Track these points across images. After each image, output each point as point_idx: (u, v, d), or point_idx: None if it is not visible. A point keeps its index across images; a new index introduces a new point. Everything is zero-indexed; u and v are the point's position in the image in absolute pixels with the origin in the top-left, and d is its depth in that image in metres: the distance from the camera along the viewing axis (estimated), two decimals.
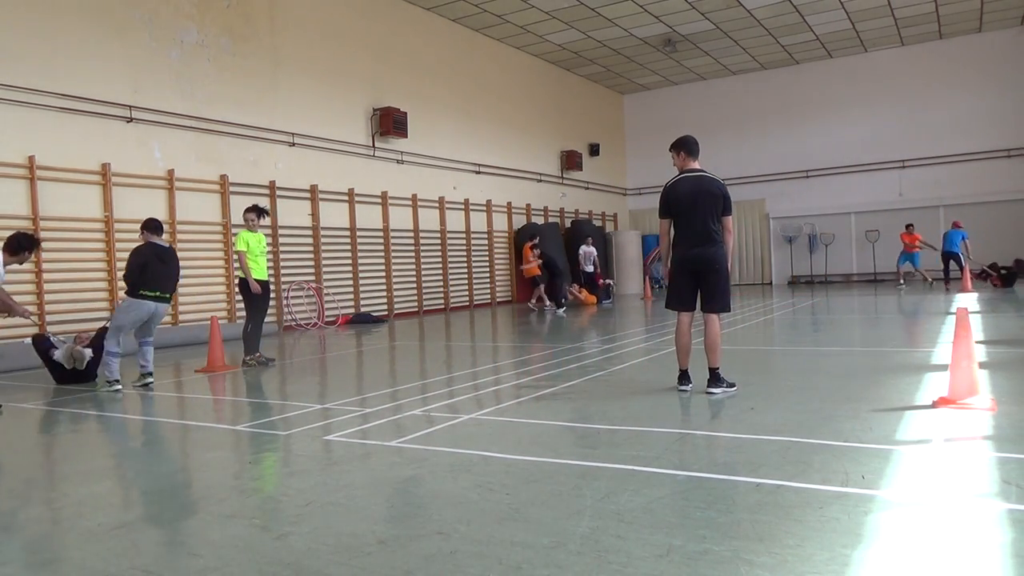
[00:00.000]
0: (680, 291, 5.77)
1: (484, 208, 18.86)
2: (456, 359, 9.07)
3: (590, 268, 19.62)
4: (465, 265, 18.13)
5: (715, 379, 5.61)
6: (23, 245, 6.67)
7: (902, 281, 18.78)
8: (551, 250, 19.61)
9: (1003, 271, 17.24)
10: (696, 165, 5.82)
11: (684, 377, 5.77)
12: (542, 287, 16.42)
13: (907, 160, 21.84)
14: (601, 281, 18.15)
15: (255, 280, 8.64)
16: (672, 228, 5.87)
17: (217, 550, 2.83)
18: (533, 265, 16.43)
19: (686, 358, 5.77)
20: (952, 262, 17.24)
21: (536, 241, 16.79)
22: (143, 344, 7.38)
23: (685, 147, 5.85)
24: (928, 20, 19.51)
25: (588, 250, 19.41)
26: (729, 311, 5.95)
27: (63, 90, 10.42)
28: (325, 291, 14.24)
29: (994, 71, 20.65)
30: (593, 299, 17.41)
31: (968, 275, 16.31)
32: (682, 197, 5.69)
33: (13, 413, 6.19)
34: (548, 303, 16.27)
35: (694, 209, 5.62)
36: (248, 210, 8.93)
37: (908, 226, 18.57)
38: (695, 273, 5.69)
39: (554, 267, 16.56)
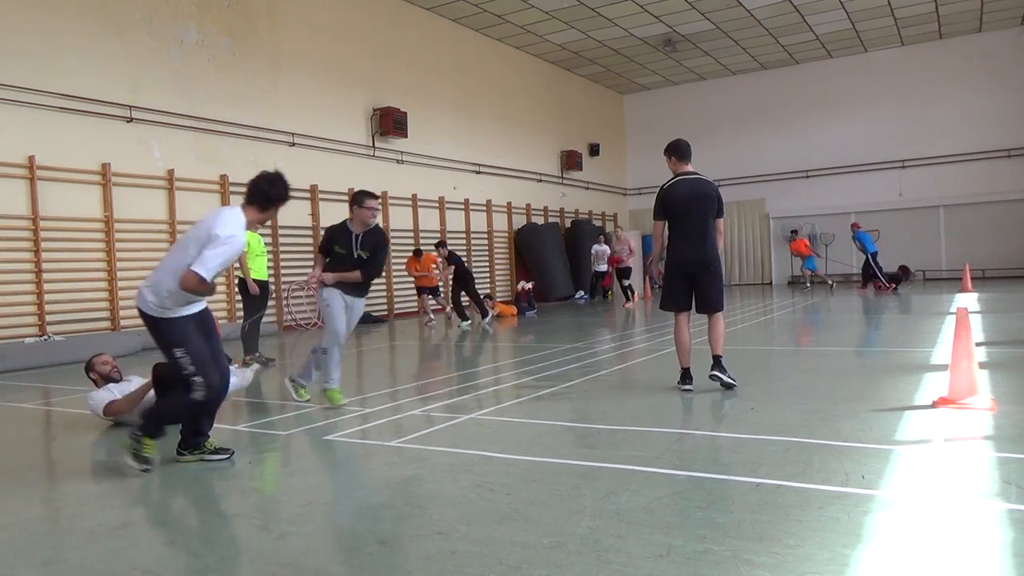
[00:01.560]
0: (675, 292, 5.83)
1: (484, 208, 18.86)
2: (456, 359, 9.07)
3: (603, 267, 19.61)
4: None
5: (719, 365, 5.68)
6: (271, 196, 4.14)
7: (830, 283, 19.30)
8: (546, 251, 19.64)
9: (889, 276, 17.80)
10: (689, 168, 5.89)
11: (686, 376, 5.78)
12: (428, 299, 13.80)
13: (907, 160, 21.83)
14: (522, 287, 16.11)
15: (254, 280, 8.65)
16: (666, 229, 5.88)
17: (217, 550, 2.83)
18: (434, 276, 13.74)
19: (687, 356, 5.80)
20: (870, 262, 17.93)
21: (444, 248, 13.92)
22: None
23: (676, 152, 5.91)
24: (928, 20, 19.51)
25: (601, 248, 19.44)
26: (722, 309, 5.93)
27: (63, 90, 10.42)
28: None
29: (994, 71, 20.65)
30: (511, 310, 14.94)
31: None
32: (679, 200, 5.73)
33: (13, 413, 6.19)
34: (432, 317, 13.74)
35: (690, 211, 5.70)
36: None
37: (793, 232, 19.37)
38: (690, 276, 5.75)
39: (467, 276, 13.77)
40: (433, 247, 14.21)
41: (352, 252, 5.68)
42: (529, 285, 16.36)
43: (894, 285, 17.42)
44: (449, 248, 14.08)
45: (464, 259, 15.53)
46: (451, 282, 13.96)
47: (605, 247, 19.58)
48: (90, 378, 5.48)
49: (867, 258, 17.69)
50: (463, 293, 13.78)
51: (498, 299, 16.00)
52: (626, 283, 16.79)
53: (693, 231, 5.69)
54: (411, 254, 14.18)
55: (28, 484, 4.00)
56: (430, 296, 13.83)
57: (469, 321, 13.31)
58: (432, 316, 13.72)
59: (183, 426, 4.22)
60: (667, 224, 5.85)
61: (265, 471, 4.14)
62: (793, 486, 3.29)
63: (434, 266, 13.65)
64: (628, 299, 16.56)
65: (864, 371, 6.50)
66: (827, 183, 22.92)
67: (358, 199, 5.77)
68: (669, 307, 5.87)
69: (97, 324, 10.75)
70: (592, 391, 6.03)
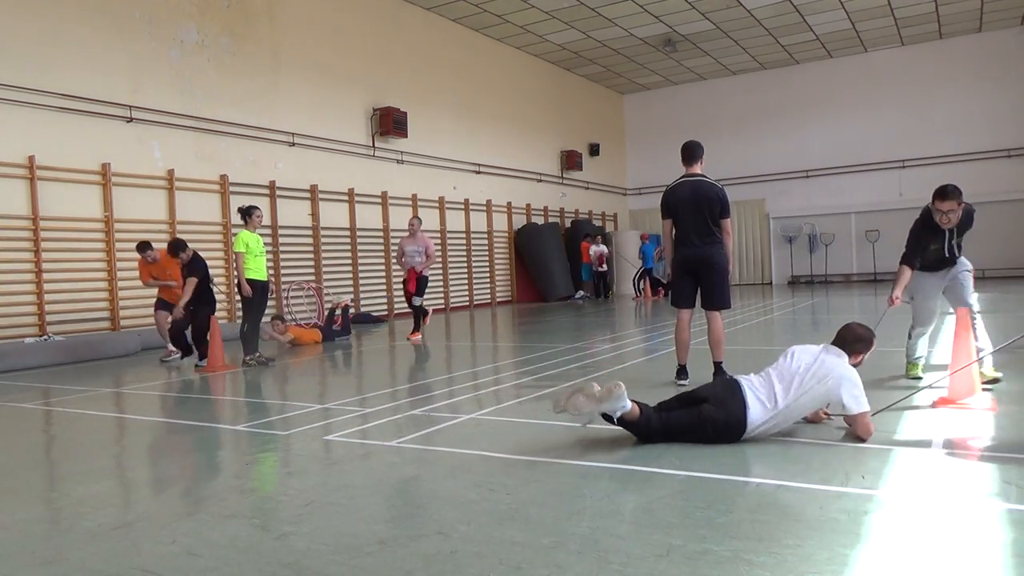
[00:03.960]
0: (681, 289, 6.06)
1: (484, 208, 18.86)
2: (456, 359, 9.06)
3: (604, 267, 20.06)
4: (465, 265, 18.13)
5: (720, 372, 5.84)
6: None
7: (581, 294, 20.21)
8: (546, 251, 19.65)
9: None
10: (696, 169, 6.11)
11: (682, 372, 5.99)
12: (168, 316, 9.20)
13: (907, 160, 21.84)
14: (341, 305, 11.84)
15: (254, 280, 8.63)
16: (673, 229, 6.15)
17: (217, 550, 2.83)
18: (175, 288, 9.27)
19: (685, 354, 5.97)
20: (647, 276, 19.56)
21: (186, 253, 8.73)
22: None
23: (683, 153, 6.15)
24: (928, 20, 19.51)
25: (599, 249, 19.86)
26: (728, 307, 6.16)
27: (63, 90, 10.43)
28: (325, 291, 14.24)
29: (994, 71, 20.65)
30: (314, 336, 10.90)
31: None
32: (679, 201, 5.98)
33: (13, 413, 6.20)
34: (173, 348, 9.25)
35: (689, 212, 5.91)
36: (253, 209, 8.82)
37: (587, 235, 20.29)
38: (694, 273, 5.96)
39: (207, 293, 8.82)
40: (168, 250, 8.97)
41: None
42: (346, 300, 12.42)
43: (647, 297, 19.28)
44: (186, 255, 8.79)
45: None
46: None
47: (602, 247, 19.98)
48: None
49: (643, 269, 19.45)
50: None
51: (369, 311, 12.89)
52: (418, 302, 10.90)
53: (693, 231, 5.90)
54: (137, 250, 9.43)
55: (28, 484, 4.00)
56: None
57: (178, 355, 9.09)
58: (173, 348, 9.23)
59: None
60: (673, 224, 6.09)
61: (265, 471, 4.14)
62: (793, 486, 3.28)
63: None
64: (418, 328, 11.06)
65: (864, 371, 6.48)
66: (827, 183, 22.92)
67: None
68: (674, 303, 6.10)
69: (97, 324, 10.75)
70: None
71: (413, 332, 11.04)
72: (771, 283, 23.73)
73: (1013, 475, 3.33)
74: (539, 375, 6.99)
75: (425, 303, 11.26)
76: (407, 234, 11.04)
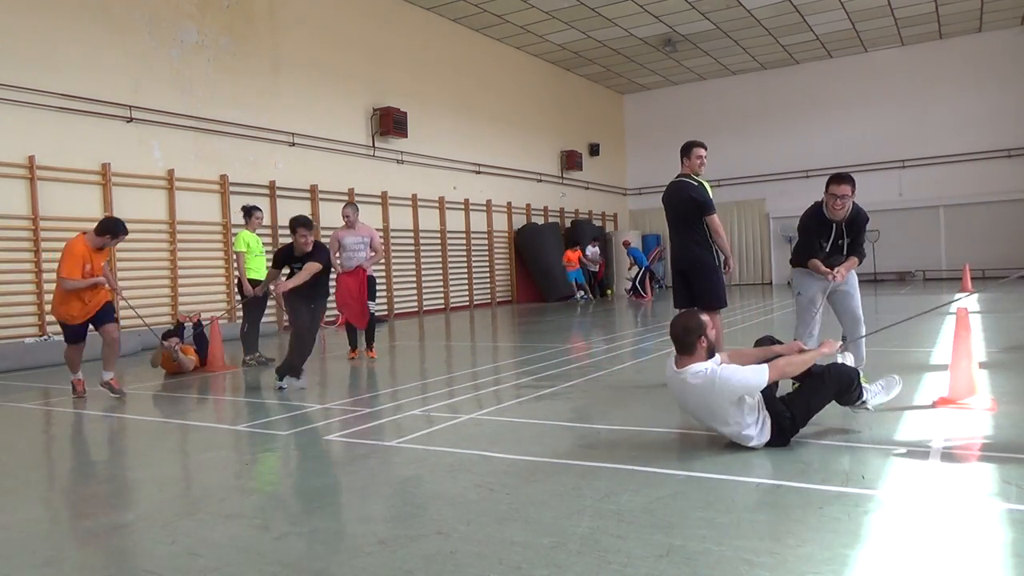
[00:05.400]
0: (677, 290, 6.16)
1: (484, 208, 18.85)
2: (456, 359, 9.07)
3: (595, 268, 20.29)
4: (465, 265, 18.12)
5: None
6: None
7: (583, 295, 20.13)
8: (546, 251, 19.69)
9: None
10: (685, 169, 6.11)
11: None
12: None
13: (907, 160, 21.83)
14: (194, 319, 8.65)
15: (254, 280, 8.67)
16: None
17: (217, 550, 2.83)
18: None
19: None
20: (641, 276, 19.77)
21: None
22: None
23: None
24: (928, 20, 19.51)
25: (594, 250, 20.09)
26: (723, 306, 6.07)
27: (63, 90, 10.42)
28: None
29: (994, 71, 20.64)
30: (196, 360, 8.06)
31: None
32: (664, 203, 6.14)
33: (13, 413, 6.19)
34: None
35: (670, 213, 6.04)
36: (254, 209, 8.92)
37: (577, 245, 20.41)
38: (682, 273, 6.06)
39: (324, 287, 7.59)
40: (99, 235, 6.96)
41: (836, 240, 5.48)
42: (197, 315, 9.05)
43: (650, 296, 19.21)
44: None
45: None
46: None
47: (596, 249, 20.29)
48: None
49: (640, 270, 19.54)
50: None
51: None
52: (372, 309, 8.81)
53: (675, 232, 6.04)
54: (105, 231, 7.10)
55: (28, 484, 4.00)
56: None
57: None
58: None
59: None
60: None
61: (265, 471, 4.14)
62: (793, 486, 3.29)
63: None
64: (372, 340, 8.90)
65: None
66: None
67: None
68: (675, 304, 6.14)
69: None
70: (592, 391, 6.03)
71: (368, 348, 8.87)
72: (771, 283, 23.72)
73: (1013, 475, 3.33)
74: (539, 375, 6.99)
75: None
76: (343, 225, 8.96)
